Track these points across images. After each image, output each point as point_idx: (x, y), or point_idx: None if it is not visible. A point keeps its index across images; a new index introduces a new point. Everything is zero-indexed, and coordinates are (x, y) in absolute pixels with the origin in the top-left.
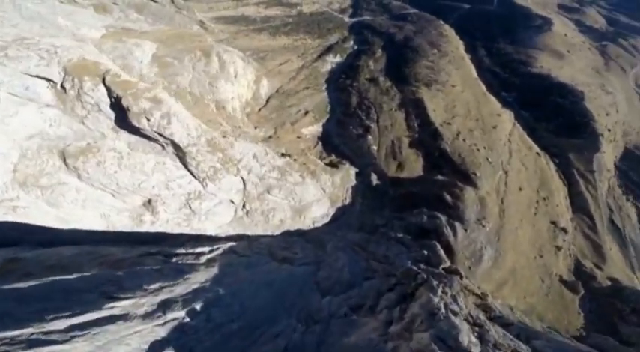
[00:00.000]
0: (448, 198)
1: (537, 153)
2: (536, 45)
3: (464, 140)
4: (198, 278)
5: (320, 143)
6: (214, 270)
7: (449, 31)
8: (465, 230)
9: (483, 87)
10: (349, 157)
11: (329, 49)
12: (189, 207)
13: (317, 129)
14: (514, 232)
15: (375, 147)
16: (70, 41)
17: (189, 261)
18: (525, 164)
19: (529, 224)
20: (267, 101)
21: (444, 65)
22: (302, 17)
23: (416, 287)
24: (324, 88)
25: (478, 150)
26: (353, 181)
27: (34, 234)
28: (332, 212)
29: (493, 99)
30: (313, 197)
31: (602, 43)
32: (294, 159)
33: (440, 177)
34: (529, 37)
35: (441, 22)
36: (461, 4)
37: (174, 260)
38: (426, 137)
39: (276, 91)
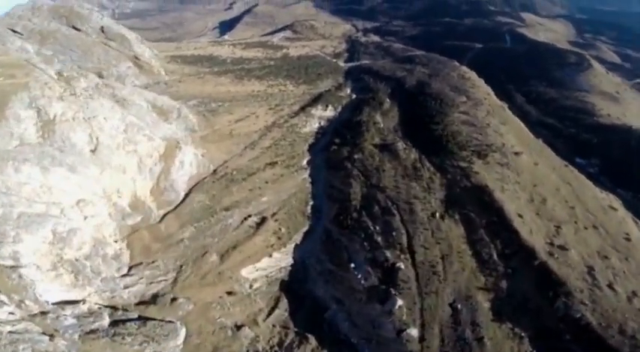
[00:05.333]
0: None
1: None
2: (582, 86)
3: (610, 287)
4: None
5: (285, 301)
6: None
7: (470, 74)
8: None
9: (551, 151)
10: (352, 346)
11: (317, 99)
12: None
13: (279, 263)
14: None
15: (414, 333)
16: None
17: None
18: None
19: None
20: (186, 196)
21: (484, 118)
22: (287, 60)
23: None
24: (304, 162)
25: None
26: None
27: None
28: None
29: (580, 175)
30: None
31: (636, 80)
32: None
33: None
34: (569, 77)
35: (456, 63)
36: (470, 44)
37: None
38: (528, 289)
39: (214, 172)
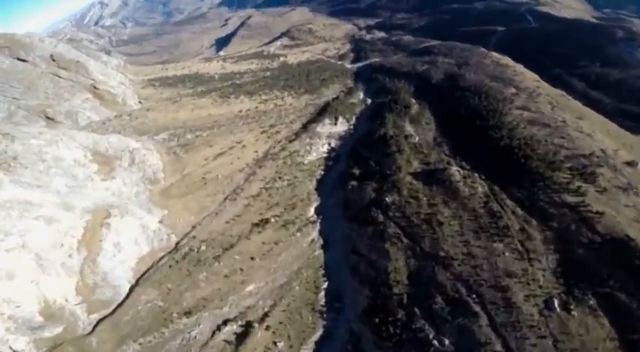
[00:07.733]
0: None
1: None
2: None
3: None
4: None
5: None
6: None
7: (505, 59)
8: None
9: None
10: None
11: (324, 110)
12: None
13: None
14: None
15: None
16: None
17: None
18: None
19: None
20: (127, 297)
21: (552, 114)
22: (285, 69)
23: None
24: (310, 212)
25: None
26: None
27: None
28: None
29: None
30: None
31: None
32: None
33: None
34: (628, 54)
35: (483, 48)
36: (490, 27)
37: None
38: None
39: (175, 247)
